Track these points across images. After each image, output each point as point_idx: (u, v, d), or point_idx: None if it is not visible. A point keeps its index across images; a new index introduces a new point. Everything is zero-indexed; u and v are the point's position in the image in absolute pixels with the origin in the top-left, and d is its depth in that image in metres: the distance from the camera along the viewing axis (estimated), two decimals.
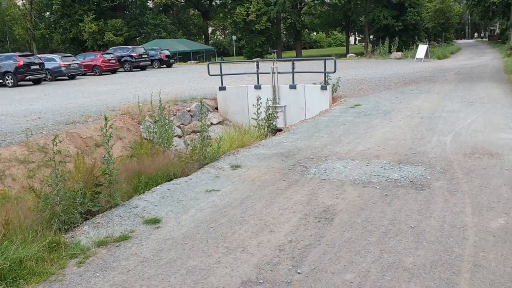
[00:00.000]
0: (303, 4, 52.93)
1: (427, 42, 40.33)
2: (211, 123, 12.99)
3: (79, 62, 27.63)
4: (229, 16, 51.21)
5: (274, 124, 11.31)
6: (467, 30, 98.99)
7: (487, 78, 17.66)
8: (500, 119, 9.55)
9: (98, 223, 4.87)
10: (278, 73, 13.99)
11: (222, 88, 14.51)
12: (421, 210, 4.74)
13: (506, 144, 7.40)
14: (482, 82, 16.42)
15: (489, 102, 11.76)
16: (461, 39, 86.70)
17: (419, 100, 12.45)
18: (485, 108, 10.85)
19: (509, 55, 28.95)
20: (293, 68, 14.21)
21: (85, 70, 28.10)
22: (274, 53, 50.02)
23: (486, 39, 75.00)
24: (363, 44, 55.93)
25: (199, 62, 42.49)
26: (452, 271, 3.50)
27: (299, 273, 3.61)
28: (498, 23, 63.98)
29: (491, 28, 78.84)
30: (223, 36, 77.13)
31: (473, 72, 20.39)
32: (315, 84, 13.91)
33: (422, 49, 29.03)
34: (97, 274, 3.77)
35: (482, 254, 3.76)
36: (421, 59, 28.20)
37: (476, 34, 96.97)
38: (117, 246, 4.29)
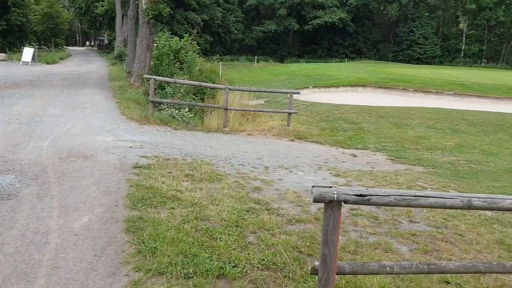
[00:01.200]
0: None
1: (37, 46, 38.90)
2: None
3: None
4: None
5: None
6: (78, 38, 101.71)
7: (92, 84, 18.60)
8: (99, 123, 10.20)
9: None
10: None
11: None
12: (4, 222, 4.40)
13: (101, 146, 7.93)
14: (87, 88, 17.15)
15: (90, 107, 12.37)
16: (73, 46, 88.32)
17: (20, 105, 11.76)
18: (86, 113, 11.33)
19: (114, 64, 31.56)
20: None
21: None
22: None
23: (96, 48, 79.31)
24: None
25: None
26: (28, 280, 3.38)
27: None
28: (106, 34, 68.51)
29: (100, 38, 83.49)
30: None
31: (80, 78, 21.07)
32: None
33: (28, 52, 27.80)
34: None
35: (62, 255, 3.81)
36: (28, 62, 26.94)
37: (88, 43, 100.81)
38: None
